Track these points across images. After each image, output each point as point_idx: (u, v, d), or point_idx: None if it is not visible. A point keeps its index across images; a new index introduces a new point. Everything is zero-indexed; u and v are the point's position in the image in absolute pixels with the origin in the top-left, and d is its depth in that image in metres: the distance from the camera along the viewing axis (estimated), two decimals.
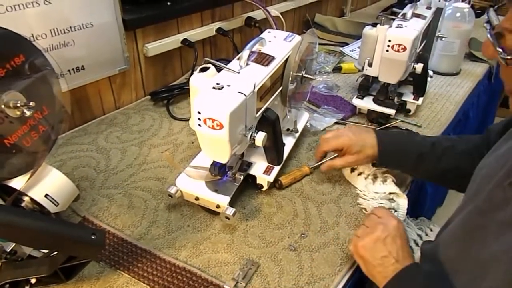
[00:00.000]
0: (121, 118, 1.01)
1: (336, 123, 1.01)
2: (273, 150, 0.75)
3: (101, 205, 0.75)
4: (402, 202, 0.77)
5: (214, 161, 0.69)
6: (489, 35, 0.48)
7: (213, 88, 0.60)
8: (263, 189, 0.77)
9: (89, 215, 0.72)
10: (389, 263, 0.58)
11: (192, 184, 0.71)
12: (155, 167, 0.85)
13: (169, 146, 0.91)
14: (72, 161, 0.85)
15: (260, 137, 0.66)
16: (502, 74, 0.51)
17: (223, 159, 0.65)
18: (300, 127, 0.90)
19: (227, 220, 0.67)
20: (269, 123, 0.69)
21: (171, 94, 1.07)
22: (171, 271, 0.63)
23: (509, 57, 0.46)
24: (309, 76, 0.81)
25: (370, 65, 0.97)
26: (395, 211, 0.75)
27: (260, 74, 0.65)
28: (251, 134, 0.66)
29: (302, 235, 0.70)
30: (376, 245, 0.59)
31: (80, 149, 0.89)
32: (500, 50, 0.47)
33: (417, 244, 0.78)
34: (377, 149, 0.76)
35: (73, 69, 0.90)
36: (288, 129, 0.87)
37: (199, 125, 0.59)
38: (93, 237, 0.49)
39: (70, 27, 0.85)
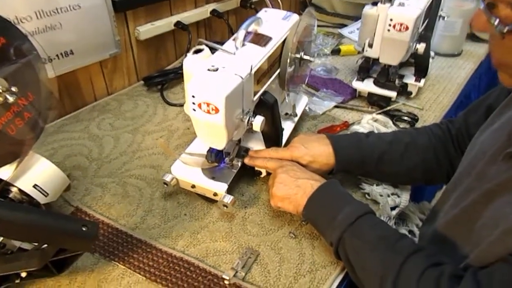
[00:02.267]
0: (114, 105, 0.98)
1: (335, 106, 0.99)
2: (272, 135, 0.72)
3: (95, 194, 0.72)
4: (405, 188, 0.76)
5: (210, 148, 0.66)
6: (482, 5, 0.44)
7: (208, 70, 0.57)
8: (262, 175, 0.74)
9: (82, 205, 0.70)
10: (304, 184, 0.62)
11: (188, 171, 0.69)
12: (149, 155, 0.82)
13: (164, 133, 0.89)
14: (63, 149, 0.82)
15: (258, 122, 0.63)
16: (493, 47, 0.47)
17: (220, 145, 0.63)
18: (299, 111, 0.87)
19: (225, 208, 0.65)
20: (267, 107, 0.66)
21: (165, 79, 1.04)
22: (167, 262, 0.61)
23: (505, 29, 0.42)
24: (308, 58, 0.78)
25: (370, 46, 0.94)
26: (398, 196, 0.74)
27: (257, 56, 0.62)
28: (249, 119, 0.63)
29: (303, 222, 0.68)
30: (285, 181, 0.63)
31: (72, 137, 0.86)
32: (496, 20, 0.42)
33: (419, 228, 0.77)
34: (334, 156, 0.69)
35: (61, 54, 0.86)
36: (286, 113, 0.84)
37: (194, 109, 0.56)
38: (84, 229, 0.47)
39: (57, 9, 0.81)
